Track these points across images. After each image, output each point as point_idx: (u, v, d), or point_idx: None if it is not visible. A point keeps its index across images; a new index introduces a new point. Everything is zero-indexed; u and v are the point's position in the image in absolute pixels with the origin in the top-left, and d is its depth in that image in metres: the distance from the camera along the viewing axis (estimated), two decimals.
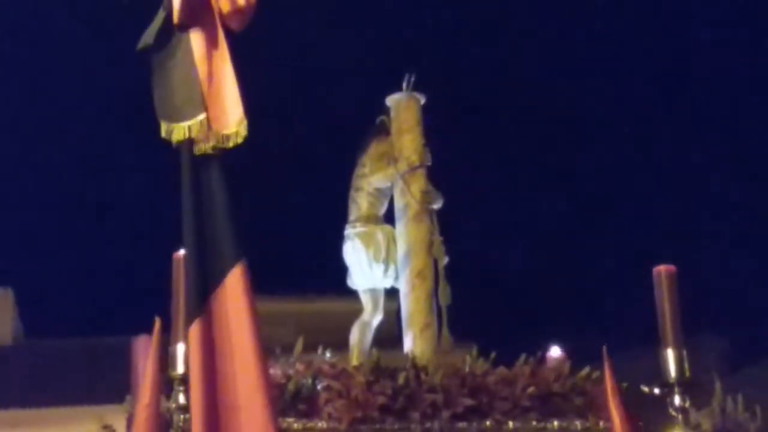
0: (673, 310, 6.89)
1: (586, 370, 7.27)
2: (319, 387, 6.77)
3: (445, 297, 7.62)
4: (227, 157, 4.76)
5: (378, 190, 7.97)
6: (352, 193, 8.04)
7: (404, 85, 8.04)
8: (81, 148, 21.40)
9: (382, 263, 7.83)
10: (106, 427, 6.47)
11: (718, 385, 7.41)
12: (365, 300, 7.98)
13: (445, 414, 6.79)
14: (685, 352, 6.81)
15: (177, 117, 4.75)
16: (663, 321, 6.88)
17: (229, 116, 4.77)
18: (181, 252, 6.25)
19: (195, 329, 4.48)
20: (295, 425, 6.67)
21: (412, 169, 7.81)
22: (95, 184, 22.01)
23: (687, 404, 6.76)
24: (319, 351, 7.23)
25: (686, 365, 6.78)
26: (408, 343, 7.52)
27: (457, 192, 8.38)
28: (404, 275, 7.69)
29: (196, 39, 4.83)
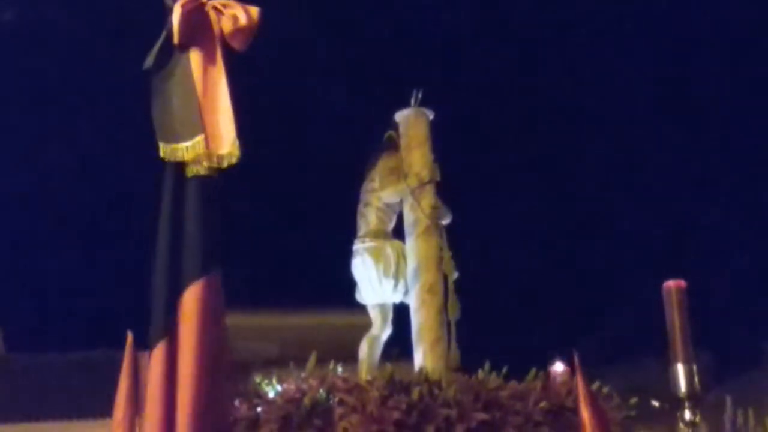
0: (683, 325, 6.94)
1: (596, 385, 7.31)
2: (332, 402, 6.80)
3: (454, 312, 7.65)
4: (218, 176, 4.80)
5: (387, 205, 7.99)
6: (361, 208, 8.07)
7: (412, 101, 8.08)
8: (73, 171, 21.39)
9: (392, 278, 7.86)
10: None
11: (729, 400, 7.48)
12: (374, 315, 8.00)
13: (459, 429, 6.81)
14: (695, 367, 6.89)
15: (175, 138, 4.77)
16: (673, 336, 6.93)
17: (224, 136, 4.81)
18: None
19: (158, 352, 4.50)
20: None
21: (422, 184, 7.84)
22: (81, 197, 21.95)
23: (697, 419, 6.84)
24: (331, 365, 7.23)
25: (696, 380, 6.86)
26: (418, 358, 7.55)
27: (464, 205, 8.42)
28: (414, 290, 7.72)
29: (195, 59, 4.85)
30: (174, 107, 4.85)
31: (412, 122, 8.02)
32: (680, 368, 6.82)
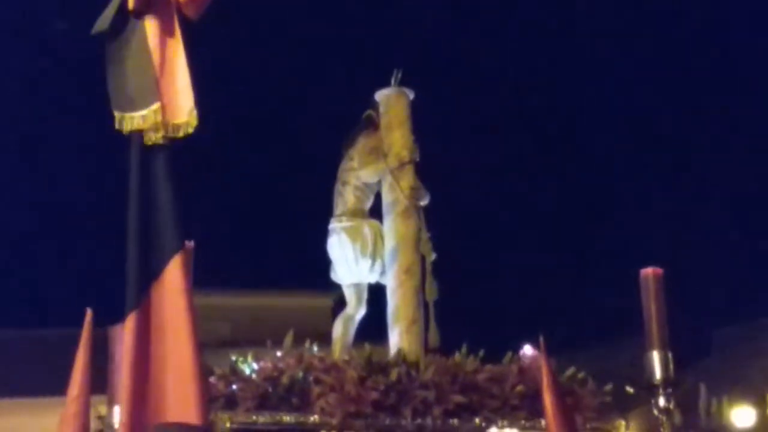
0: (659, 312, 6.96)
1: (572, 371, 7.33)
2: (309, 380, 6.76)
3: (432, 293, 7.62)
4: (179, 147, 4.73)
5: (365, 184, 7.94)
6: (339, 187, 8.00)
7: (392, 80, 8.03)
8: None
9: (369, 258, 7.80)
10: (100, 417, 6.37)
11: (703, 387, 7.52)
12: (349, 294, 7.95)
13: (436, 411, 6.81)
14: (670, 354, 6.93)
15: (130, 106, 4.70)
16: (649, 323, 6.95)
17: (181, 106, 4.71)
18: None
19: (130, 322, 4.44)
20: (287, 418, 6.65)
21: (402, 164, 7.79)
22: (38, 178, 21.77)
23: (672, 405, 6.88)
24: (306, 344, 7.19)
25: (671, 367, 6.89)
26: (394, 339, 7.51)
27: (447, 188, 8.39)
28: (392, 271, 7.67)
29: (150, 26, 4.77)
30: (129, 75, 4.74)
31: (392, 102, 7.96)
32: (655, 355, 6.85)
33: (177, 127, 4.68)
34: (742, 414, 20.55)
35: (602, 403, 7.24)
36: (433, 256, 7.73)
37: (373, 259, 7.81)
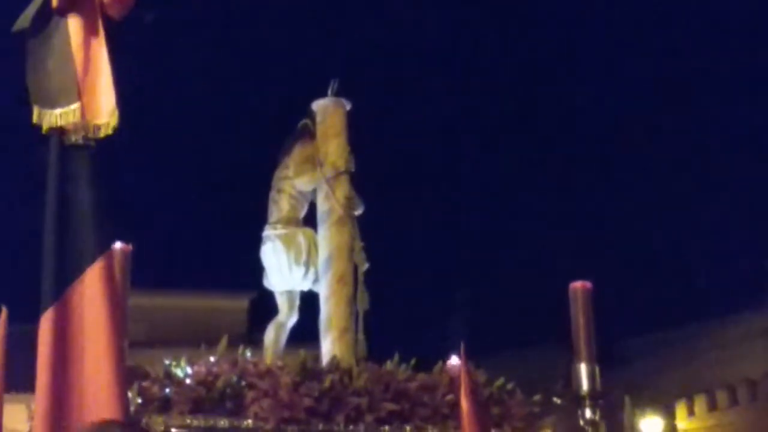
0: (587, 325, 7.15)
1: (500, 381, 7.47)
2: (243, 386, 6.82)
3: (363, 302, 7.72)
4: (103, 148, 4.77)
5: (300, 193, 8.02)
6: (273, 195, 8.07)
7: (329, 90, 8.12)
8: None
9: (303, 266, 7.88)
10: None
11: (627, 399, 7.71)
12: (281, 301, 8.02)
13: (369, 418, 6.90)
14: (597, 368, 7.10)
15: (50, 103, 4.73)
16: (577, 336, 7.13)
17: (102, 106, 4.74)
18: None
19: (48, 317, 4.48)
20: (222, 423, 6.69)
21: (338, 174, 7.88)
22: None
23: (598, 417, 7.05)
24: (240, 350, 7.24)
25: (598, 379, 7.06)
26: (326, 346, 7.59)
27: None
28: (325, 279, 7.75)
29: (74, 25, 4.79)
30: (50, 73, 4.76)
31: (330, 111, 8.05)
32: (583, 367, 7.02)
33: (98, 127, 4.70)
34: (651, 424, 20.96)
35: (530, 413, 7.38)
36: (366, 266, 7.83)
37: (307, 267, 7.88)
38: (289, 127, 8.27)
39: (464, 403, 6.42)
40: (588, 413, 6.93)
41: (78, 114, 4.64)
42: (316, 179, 7.92)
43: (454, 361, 8.07)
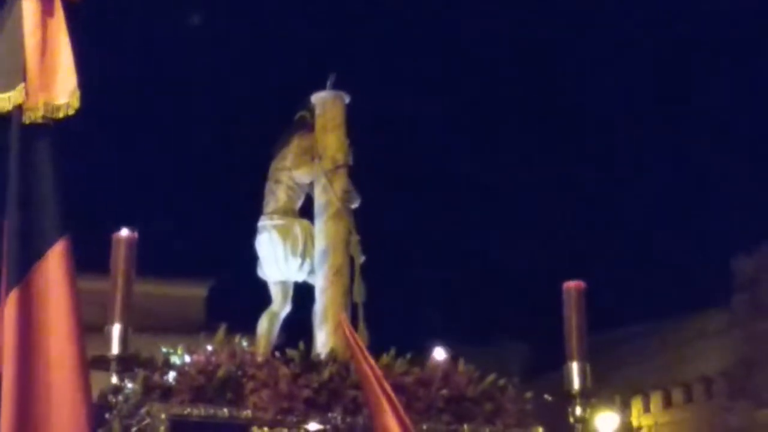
0: (579, 324, 7.25)
1: (492, 377, 7.56)
2: (242, 375, 6.85)
3: (360, 294, 7.76)
4: (62, 129, 4.75)
5: (298, 184, 8.05)
6: (271, 185, 8.09)
7: (328, 83, 8.15)
8: None
9: (299, 257, 7.91)
10: None
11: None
12: (275, 291, 8.05)
13: (366, 411, 6.95)
14: (588, 366, 7.21)
15: (2, 87, 4.75)
16: (569, 334, 7.24)
17: (61, 86, 4.74)
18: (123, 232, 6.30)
19: (12, 298, 4.47)
20: (221, 413, 6.73)
21: (336, 167, 7.92)
22: None
23: (587, 415, 7.16)
24: (237, 339, 7.26)
25: (589, 377, 7.17)
26: (322, 338, 7.64)
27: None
28: (322, 271, 7.80)
29: (29, 7, 4.78)
30: (1, 56, 4.76)
31: (329, 105, 8.09)
32: (574, 366, 7.13)
33: (57, 107, 4.70)
34: (606, 420, 21.14)
35: (521, 410, 7.47)
36: (362, 258, 7.87)
37: (303, 259, 7.92)
38: (286, 119, 8.30)
39: (363, 366, 5.98)
40: (578, 410, 7.04)
41: (22, 94, 4.64)
42: (314, 171, 7.95)
43: (439, 354, 8.15)
